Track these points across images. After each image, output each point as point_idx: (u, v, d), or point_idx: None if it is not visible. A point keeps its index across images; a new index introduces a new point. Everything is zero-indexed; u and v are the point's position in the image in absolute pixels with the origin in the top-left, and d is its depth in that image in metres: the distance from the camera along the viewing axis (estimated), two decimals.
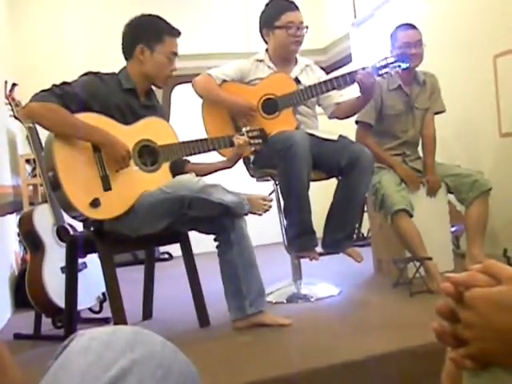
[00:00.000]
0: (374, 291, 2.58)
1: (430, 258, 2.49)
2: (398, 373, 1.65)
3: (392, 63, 2.40)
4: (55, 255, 2.28)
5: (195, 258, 2.21)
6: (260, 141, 2.22)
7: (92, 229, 2.01)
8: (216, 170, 2.25)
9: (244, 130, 2.23)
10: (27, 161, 3.65)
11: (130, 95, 2.06)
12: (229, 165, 2.24)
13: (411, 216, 2.57)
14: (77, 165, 1.86)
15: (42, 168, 2.18)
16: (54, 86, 1.91)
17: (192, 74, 4.73)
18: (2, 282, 2.79)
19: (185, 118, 4.00)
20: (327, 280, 2.76)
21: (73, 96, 1.89)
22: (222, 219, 1.98)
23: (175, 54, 2.11)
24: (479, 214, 2.72)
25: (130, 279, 2.46)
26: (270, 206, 2.13)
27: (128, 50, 2.09)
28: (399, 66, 2.40)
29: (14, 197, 3.30)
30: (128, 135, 1.96)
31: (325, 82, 2.47)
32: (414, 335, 1.80)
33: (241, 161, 2.65)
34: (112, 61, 3.55)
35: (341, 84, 2.46)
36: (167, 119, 2.23)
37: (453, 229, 3.02)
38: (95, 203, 1.83)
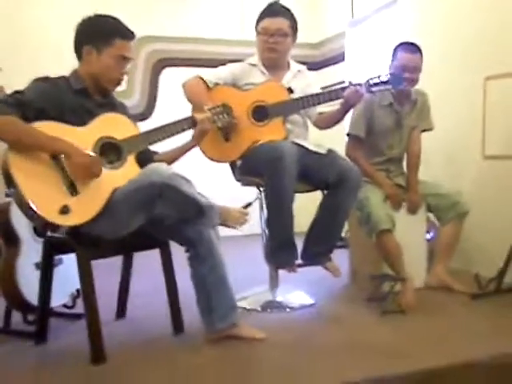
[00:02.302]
0: (347, 305, 2.61)
1: (406, 279, 2.53)
2: None
3: (385, 83, 2.39)
4: (30, 250, 2.23)
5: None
6: (225, 115, 2.20)
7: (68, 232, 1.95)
8: (184, 153, 2.21)
9: (206, 107, 2.20)
10: None
11: (82, 96, 2.00)
12: (194, 143, 2.21)
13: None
14: (38, 176, 1.79)
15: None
16: (8, 96, 1.85)
17: (182, 58, 4.73)
18: None
19: (174, 101, 3.91)
20: (302, 287, 2.79)
21: (28, 104, 1.83)
22: (189, 232, 1.95)
23: (125, 57, 2.03)
24: (451, 235, 2.80)
25: (111, 266, 2.40)
26: (246, 220, 2.13)
27: (77, 50, 2.03)
28: (392, 87, 2.40)
29: None
30: (85, 136, 1.90)
31: (317, 94, 2.45)
32: (382, 362, 1.84)
33: (227, 165, 2.67)
34: None
35: (333, 98, 2.45)
36: (128, 115, 2.15)
37: (429, 236, 3.07)
38: (64, 210, 1.78)
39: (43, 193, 1.78)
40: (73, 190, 1.83)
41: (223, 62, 2.69)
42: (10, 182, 1.78)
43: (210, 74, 2.54)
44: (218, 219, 2.02)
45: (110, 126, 1.99)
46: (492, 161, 3.04)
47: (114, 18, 2.04)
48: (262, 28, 2.55)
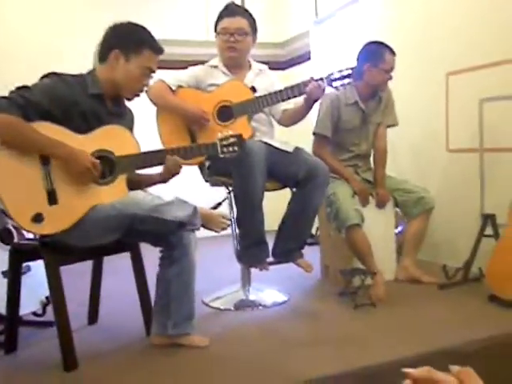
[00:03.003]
0: (319, 300, 2.64)
1: (376, 273, 2.58)
2: None
3: (346, 76, 2.41)
4: None
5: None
6: (235, 148, 2.07)
7: (38, 237, 1.92)
8: (154, 183, 2.12)
9: (219, 135, 2.09)
10: None
11: (96, 101, 1.94)
12: (162, 180, 2.07)
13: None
14: (20, 177, 1.76)
15: None
16: (14, 92, 1.78)
17: None
18: None
19: (139, 103, 3.88)
20: (275, 284, 2.82)
21: (34, 105, 1.78)
22: (170, 237, 1.93)
23: (151, 70, 2.00)
24: (418, 230, 2.86)
25: (81, 270, 2.35)
26: (229, 225, 2.13)
27: (103, 53, 1.98)
28: (354, 81, 2.44)
29: None
30: (82, 145, 1.84)
31: (280, 91, 2.46)
32: (356, 355, 1.88)
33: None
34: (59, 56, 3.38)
35: (296, 94, 2.46)
36: (132, 124, 2.12)
37: (397, 230, 3.13)
38: (38, 218, 1.75)
39: (21, 196, 1.75)
40: (52, 198, 1.79)
41: (189, 64, 2.70)
42: None
43: (172, 78, 2.55)
44: (200, 223, 2.00)
45: (110, 138, 1.93)
46: (456, 154, 3.12)
47: (146, 29, 2.01)
48: (222, 28, 2.57)
